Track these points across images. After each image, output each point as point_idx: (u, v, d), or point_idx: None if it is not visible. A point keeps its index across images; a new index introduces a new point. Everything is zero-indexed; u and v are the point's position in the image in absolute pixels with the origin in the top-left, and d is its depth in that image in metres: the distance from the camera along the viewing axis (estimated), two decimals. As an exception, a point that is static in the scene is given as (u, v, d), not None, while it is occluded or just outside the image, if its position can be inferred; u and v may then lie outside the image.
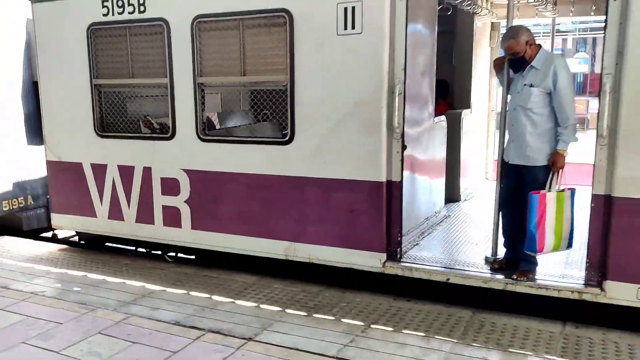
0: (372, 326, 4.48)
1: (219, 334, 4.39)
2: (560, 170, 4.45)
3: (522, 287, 4.63)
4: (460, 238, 5.90)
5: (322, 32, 4.98)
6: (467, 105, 7.64)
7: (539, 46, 4.56)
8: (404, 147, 4.96)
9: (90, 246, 7.26)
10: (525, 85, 4.51)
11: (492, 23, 8.33)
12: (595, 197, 4.33)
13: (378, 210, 5.05)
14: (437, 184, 6.52)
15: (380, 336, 4.30)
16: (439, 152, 6.47)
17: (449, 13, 6.81)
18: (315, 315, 4.73)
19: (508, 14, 4.86)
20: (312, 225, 5.37)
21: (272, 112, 5.89)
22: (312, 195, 5.32)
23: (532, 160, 4.55)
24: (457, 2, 6.36)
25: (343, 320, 4.62)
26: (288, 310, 4.83)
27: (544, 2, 6.63)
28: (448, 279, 4.92)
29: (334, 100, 5.06)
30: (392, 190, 5.02)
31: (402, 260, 5.14)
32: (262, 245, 5.66)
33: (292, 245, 5.50)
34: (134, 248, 6.99)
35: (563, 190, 4.49)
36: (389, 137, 4.93)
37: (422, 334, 4.31)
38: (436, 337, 4.26)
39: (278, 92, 5.51)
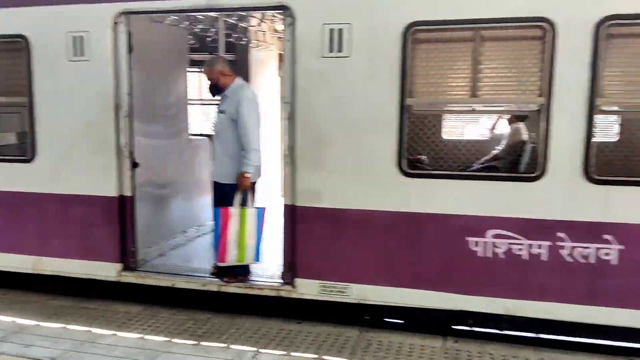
0: (262, 351, 4.49)
1: None
2: (246, 189, 5.07)
3: (232, 288, 5.25)
4: (211, 248, 6.43)
5: (56, 57, 5.37)
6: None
7: (234, 77, 5.23)
8: (134, 165, 5.43)
9: None
10: (219, 111, 5.16)
11: (279, 54, 9.13)
12: (285, 207, 5.05)
13: (113, 223, 5.46)
14: (199, 201, 7.04)
15: None
16: (199, 171, 7.00)
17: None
18: (203, 343, 4.65)
19: (220, 49, 5.55)
20: (56, 239, 5.66)
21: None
22: (54, 210, 5.62)
23: (222, 178, 5.18)
24: (211, 35, 7.01)
25: (233, 346, 4.57)
26: (175, 340, 4.70)
27: None
28: (174, 284, 5.42)
29: (70, 121, 5.44)
30: (125, 205, 5.46)
31: (137, 269, 5.57)
32: (13, 260, 5.83)
33: (40, 260, 5.74)
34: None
35: (247, 207, 5.08)
36: (119, 155, 5.38)
37: (313, 356, 4.40)
38: (326, 357, 4.36)
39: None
